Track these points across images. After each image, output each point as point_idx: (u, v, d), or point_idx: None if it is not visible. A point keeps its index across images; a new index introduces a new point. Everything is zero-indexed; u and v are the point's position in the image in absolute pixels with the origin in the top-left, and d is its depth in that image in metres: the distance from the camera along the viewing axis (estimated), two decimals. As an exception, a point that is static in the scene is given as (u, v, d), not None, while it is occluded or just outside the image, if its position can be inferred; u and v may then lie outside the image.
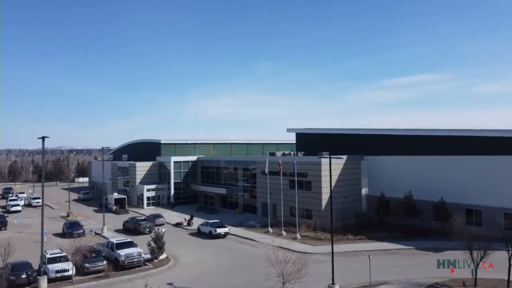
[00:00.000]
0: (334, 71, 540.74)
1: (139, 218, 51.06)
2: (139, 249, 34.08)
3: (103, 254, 33.88)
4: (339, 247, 35.96)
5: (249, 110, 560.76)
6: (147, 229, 46.96)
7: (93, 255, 32.29)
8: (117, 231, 49.89)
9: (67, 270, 29.65)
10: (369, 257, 27.65)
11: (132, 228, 48.64)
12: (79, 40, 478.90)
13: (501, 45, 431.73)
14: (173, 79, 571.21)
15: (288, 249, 37.03)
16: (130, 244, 34.59)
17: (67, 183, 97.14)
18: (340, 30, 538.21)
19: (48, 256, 31.04)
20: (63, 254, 31.37)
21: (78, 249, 30.27)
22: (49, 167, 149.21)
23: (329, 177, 46.93)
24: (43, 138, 28.67)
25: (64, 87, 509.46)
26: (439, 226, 42.43)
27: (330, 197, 28.63)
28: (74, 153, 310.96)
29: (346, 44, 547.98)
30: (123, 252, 32.87)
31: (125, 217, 56.83)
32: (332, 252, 26.67)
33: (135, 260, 32.82)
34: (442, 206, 42.79)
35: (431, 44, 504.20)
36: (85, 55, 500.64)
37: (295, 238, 42.75)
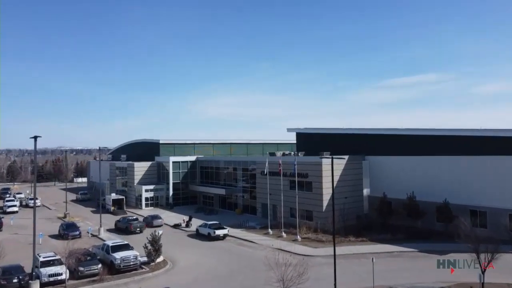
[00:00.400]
0: (334, 71, 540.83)
1: (130, 217, 51.75)
2: (135, 252, 33.17)
3: (98, 257, 32.98)
4: (340, 250, 34.98)
5: (249, 110, 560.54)
6: (138, 229, 48.05)
7: (88, 258, 31.39)
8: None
9: (60, 274, 28.70)
10: (372, 261, 26.73)
11: (123, 227, 49.22)
12: (79, 39, 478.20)
13: (501, 45, 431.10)
14: (173, 79, 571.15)
15: (289, 252, 36.28)
16: (126, 247, 33.65)
17: (66, 183, 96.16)
18: (340, 30, 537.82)
19: (41, 259, 30.13)
20: (57, 257, 30.45)
21: (72, 252, 29.29)
22: (48, 167, 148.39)
23: (329, 177, 46.31)
24: (35, 137, 27.81)
25: (64, 87, 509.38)
26: (442, 228, 41.67)
27: (332, 198, 27.67)
28: (74, 153, 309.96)
29: (346, 44, 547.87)
30: (118, 255, 31.91)
31: (122, 218, 56.11)
32: (334, 256, 25.72)
33: (131, 263, 31.88)
34: (446, 208, 41.90)
35: (431, 44, 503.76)
36: (85, 54, 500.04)
37: (295, 240, 41.87)
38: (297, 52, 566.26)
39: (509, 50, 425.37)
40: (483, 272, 24.57)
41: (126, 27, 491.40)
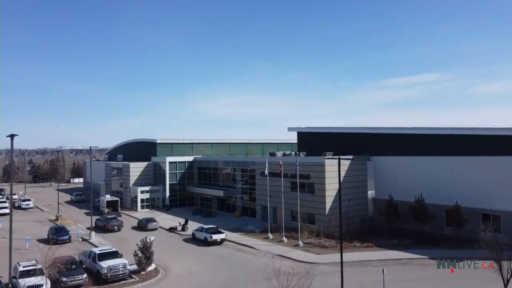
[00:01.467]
0: (334, 71, 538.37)
1: (108, 216, 53.45)
2: (124, 260, 30.65)
3: (84, 266, 30.54)
4: (345, 256, 32.31)
5: (249, 110, 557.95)
6: (116, 227, 50.17)
7: (73, 267, 28.93)
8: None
9: (40, 286, 26.18)
10: (382, 272, 24.29)
11: (102, 226, 50.64)
12: (79, 39, 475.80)
13: (501, 45, 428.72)
14: (172, 78, 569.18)
15: (290, 258, 34.06)
16: (114, 255, 31.04)
17: (63, 184, 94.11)
18: (340, 30, 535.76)
19: (20, 269, 27.66)
20: (38, 266, 27.95)
21: (55, 260, 26.84)
22: (45, 167, 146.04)
23: (332, 178, 44.28)
24: (11, 136, 25.43)
25: (64, 86, 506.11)
26: (452, 232, 39.45)
27: (339, 200, 25.29)
28: (74, 153, 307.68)
29: (346, 44, 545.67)
30: (105, 263, 29.39)
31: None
32: (342, 267, 23.34)
33: (120, 272, 29.33)
34: (457, 211, 39.41)
35: (431, 44, 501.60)
36: (84, 54, 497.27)
37: (297, 245, 39.51)
38: (297, 52, 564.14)
39: (509, 50, 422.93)
40: (505, 285, 22.21)
41: (126, 27, 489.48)
